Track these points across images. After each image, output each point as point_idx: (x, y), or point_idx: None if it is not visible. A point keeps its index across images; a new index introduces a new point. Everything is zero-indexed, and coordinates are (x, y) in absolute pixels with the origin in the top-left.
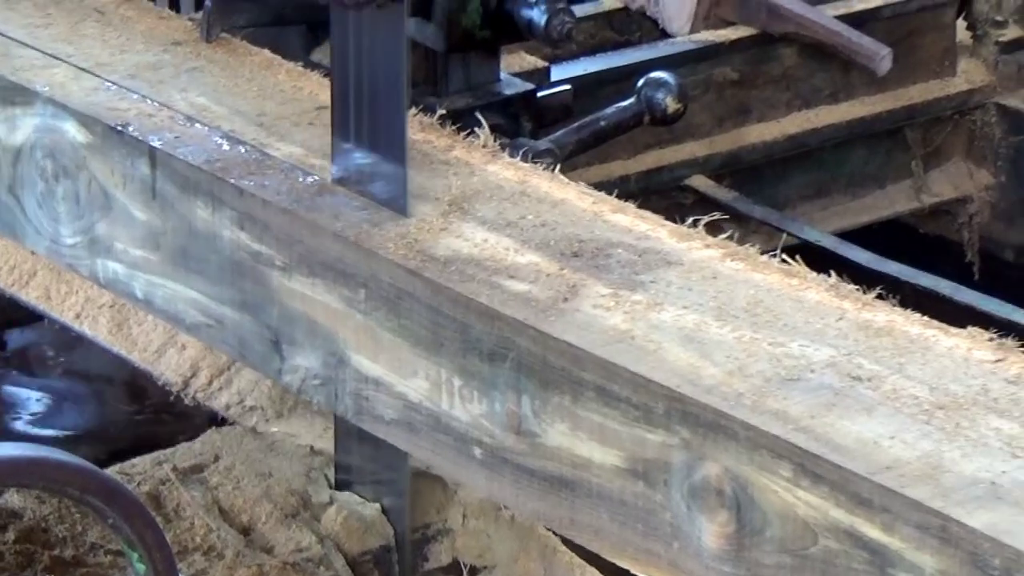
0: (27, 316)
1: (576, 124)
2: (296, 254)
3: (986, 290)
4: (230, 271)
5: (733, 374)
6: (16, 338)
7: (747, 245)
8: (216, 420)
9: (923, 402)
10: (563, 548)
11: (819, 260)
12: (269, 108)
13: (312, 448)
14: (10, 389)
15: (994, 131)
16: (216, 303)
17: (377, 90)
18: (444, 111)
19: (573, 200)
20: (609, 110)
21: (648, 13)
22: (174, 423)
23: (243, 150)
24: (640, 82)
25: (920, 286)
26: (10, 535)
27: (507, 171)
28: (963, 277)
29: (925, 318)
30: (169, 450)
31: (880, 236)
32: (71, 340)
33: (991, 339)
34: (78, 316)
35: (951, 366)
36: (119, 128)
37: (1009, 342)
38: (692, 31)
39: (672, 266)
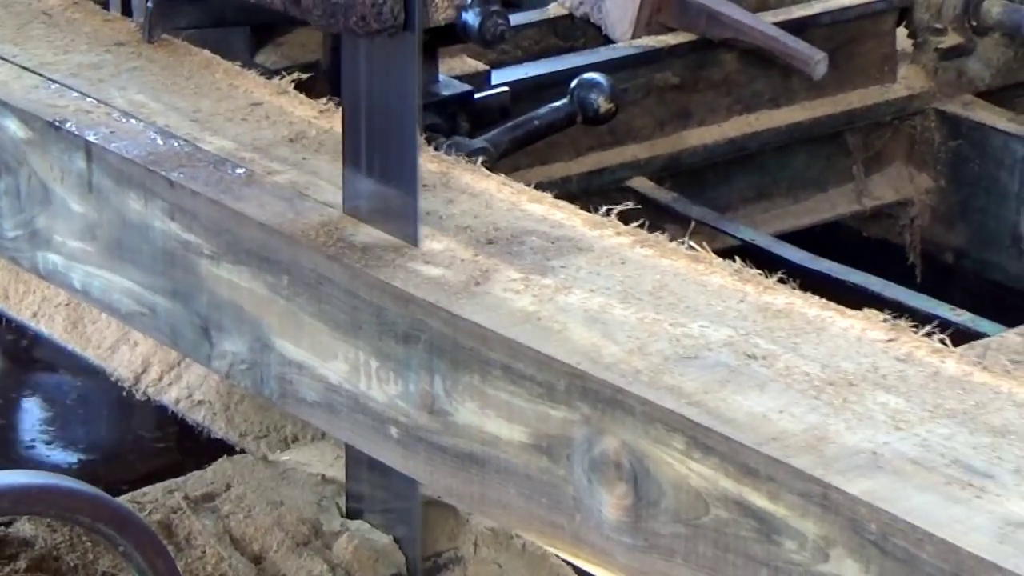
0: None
1: (511, 123)
2: (223, 243)
3: (928, 291)
4: (162, 261)
5: (633, 352)
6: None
7: (681, 242)
8: (228, 449)
9: (814, 378)
10: None
11: (756, 259)
12: (205, 105)
13: (323, 477)
14: (22, 414)
15: (934, 136)
16: (149, 292)
17: (388, 120)
18: None
19: (492, 191)
20: (543, 110)
21: (592, 20)
22: (189, 451)
23: (176, 144)
24: (573, 83)
25: (850, 283)
26: (21, 563)
27: (431, 164)
28: (906, 278)
29: (823, 300)
30: (180, 479)
31: (825, 239)
32: (86, 366)
33: (885, 320)
34: (35, 315)
35: (844, 345)
36: (57, 124)
37: (902, 323)
38: (634, 37)
39: (583, 252)
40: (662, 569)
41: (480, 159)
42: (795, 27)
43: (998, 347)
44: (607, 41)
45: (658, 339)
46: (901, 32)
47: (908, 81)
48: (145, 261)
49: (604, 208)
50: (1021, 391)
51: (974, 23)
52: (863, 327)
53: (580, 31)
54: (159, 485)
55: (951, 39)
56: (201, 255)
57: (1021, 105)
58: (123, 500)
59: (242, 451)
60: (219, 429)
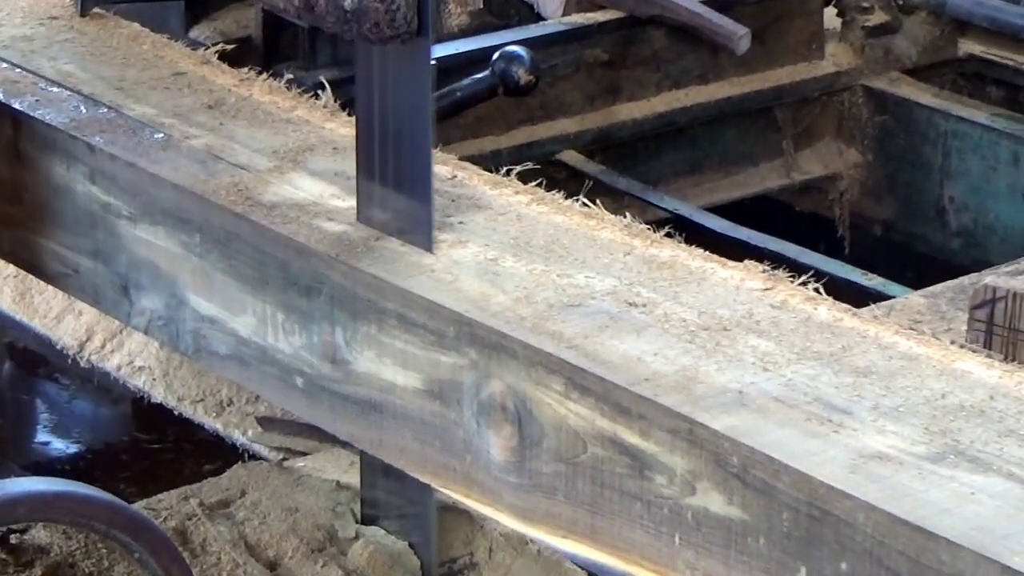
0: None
1: (434, 95)
2: (140, 204)
3: (856, 262)
4: (84, 222)
5: (519, 301)
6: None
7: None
8: (235, 450)
9: (690, 324)
10: None
11: (683, 230)
12: (130, 74)
13: (338, 483)
14: (29, 417)
15: (861, 112)
16: (73, 253)
17: (402, 127)
18: (291, 76)
19: None
20: (465, 82)
21: None
22: (194, 453)
23: (99, 111)
24: (495, 56)
25: (768, 249)
26: (37, 571)
27: (343, 128)
28: (836, 250)
29: (707, 253)
30: (196, 485)
31: (758, 213)
32: (89, 372)
33: (764, 271)
34: None
35: (722, 294)
36: None
37: (780, 273)
38: (564, 14)
39: (481, 209)
40: (545, 507)
41: None
42: (724, 5)
43: (902, 308)
44: (540, 19)
45: (544, 289)
46: (830, 11)
47: (836, 58)
48: (69, 223)
49: (504, 169)
50: (887, 335)
51: (900, 2)
52: (742, 277)
53: (514, 9)
54: (174, 492)
55: (878, 17)
56: (120, 216)
57: (947, 82)
58: (138, 507)
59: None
60: (158, 394)
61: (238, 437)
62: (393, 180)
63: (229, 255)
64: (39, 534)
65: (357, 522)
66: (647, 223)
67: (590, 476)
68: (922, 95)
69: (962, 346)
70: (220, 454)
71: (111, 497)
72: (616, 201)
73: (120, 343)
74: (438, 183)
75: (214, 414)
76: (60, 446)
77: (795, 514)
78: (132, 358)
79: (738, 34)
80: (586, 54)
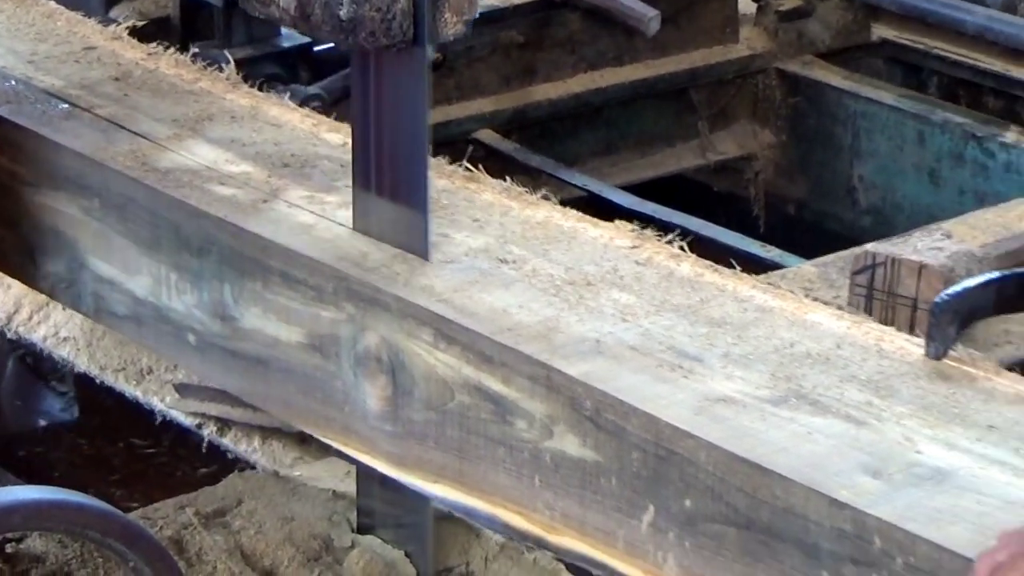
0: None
1: (343, 72)
2: (44, 171)
3: (771, 240)
4: None
5: (396, 258)
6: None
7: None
8: (228, 456)
9: (556, 279)
10: None
11: (592, 205)
12: (42, 49)
13: (334, 492)
14: (21, 422)
15: (775, 94)
16: None
17: (398, 136)
18: (197, 50)
19: (296, 122)
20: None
21: None
22: (188, 459)
23: (9, 84)
24: None
25: (672, 223)
26: None
27: (243, 99)
28: (751, 229)
29: (579, 214)
30: (191, 494)
31: (676, 192)
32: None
33: (633, 230)
34: None
35: (590, 251)
36: None
37: (648, 232)
38: None
39: None
40: (418, 453)
41: (314, 104)
42: None
43: (794, 276)
44: None
45: None
46: None
47: (750, 42)
48: None
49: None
50: (744, 289)
51: None
52: (611, 236)
53: None
54: (170, 501)
55: (791, 2)
56: (25, 183)
57: (863, 66)
58: (134, 516)
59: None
60: (82, 363)
61: (157, 404)
62: (389, 190)
63: (126, 219)
64: (35, 543)
65: (353, 531)
66: (562, 201)
67: (458, 423)
68: (833, 77)
69: (840, 307)
70: (215, 459)
71: (106, 506)
72: (534, 179)
73: (47, 315)
74: (328, 149)
75: (135, 382)
76: (52, 451)
77: (643, 454)
78: (57, 329)
79: (648, 16)
80: (501, 36)
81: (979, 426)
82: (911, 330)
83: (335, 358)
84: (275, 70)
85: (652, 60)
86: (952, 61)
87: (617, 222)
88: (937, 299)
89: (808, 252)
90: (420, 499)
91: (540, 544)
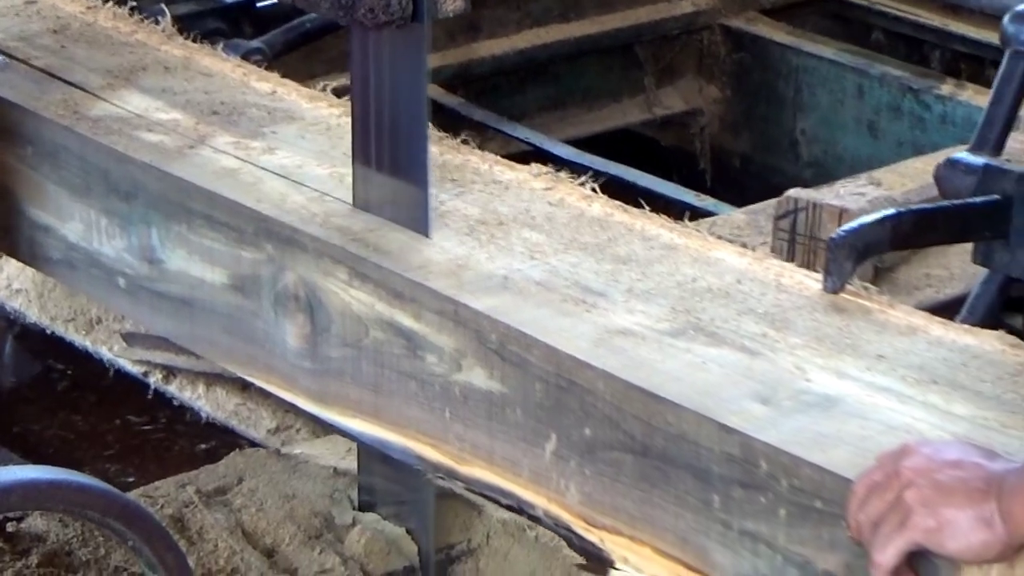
0: None
1: (285, 26)
2: None
3: (717, 193)
4: None
5: (314, 200)
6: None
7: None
8: (228, 431)
9: (470, 219)
10: (587, 567)
11: (537, 159)
12: None
13: (335, 469)
14: (18, 399)
15: (720, 50)
16: None
17: (398, 113)
18: (135, 4)
19: (227, 72)
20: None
21: None
22: (187, 435)
23: None
24: None
25: (609, 173)
26: (33, 559)
27: (177, 50)
28: (698, 182)
29: (497, 158)
30: (192, 472)
31: (625, 148)
32: (79, 354)
33: (547, 173)
34: None
35: (505, 193)
36: None
37: (563, 175)
38: None
39: (295, 121)
40: (335, 389)
41: (256, 58)
42: None
43: (724, 223)
44: None
45: (340, 189)
46: None
47: None
48: None
49: None
50: (651, 228)
51: None
52: (526, 179)
53: None
54: (170, 479)
55: None
56: None
57: (808, 22)
58: (135, 494)
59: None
60: (33, 314)
61: (105, 353)
62: (389, 165)
63: (58, 166)
64: (36, 522)
65: (354, 509)
66: (507, 155)
67: (372, 358)
68: (776, 33)
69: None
70: (214, 435)
71: (105, 485)
72: (480, 134)
73: None
74: (256, 97)
75: (84, 332)
76: (49, 429)
77: (546, 385)
78: (10, 281)
79: None
80: None
81: (869, 356)
82: None
83: (256, 297)
84: (218, 25)
85: (597, 16)
86: (894, 16)
87: (533, 165)
88: (833, 235)
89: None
90: (421, 477)
91: (451, 475)
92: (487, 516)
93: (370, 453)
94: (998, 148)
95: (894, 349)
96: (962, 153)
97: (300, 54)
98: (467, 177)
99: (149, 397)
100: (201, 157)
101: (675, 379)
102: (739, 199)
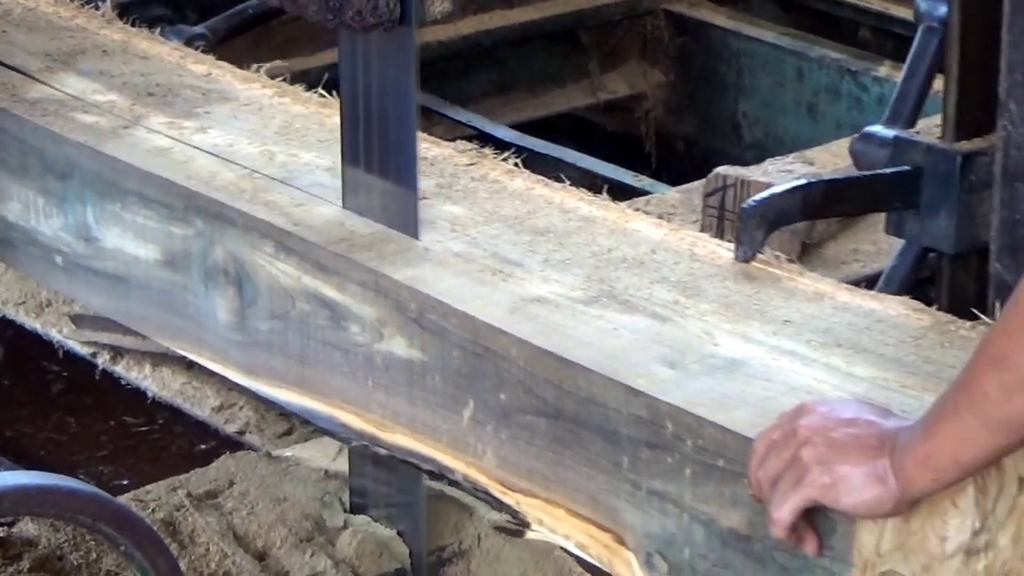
0: None
1: (227, 12)
2: None
3: (662, 176)
4: None
5: (243, 177)
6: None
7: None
8: (222, 435)
9: None
10: (578, 569)
11: (482, 142)
12: None
13: (326, 472)
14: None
15: (663, 35)
16: None
17: (386, 115)
18: None
19: (164, 55)
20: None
21: None
22: (184, 436)
23: None
24: None
25: (551, 156)
26: (25, 563)
27: (116, 34)
28: (643, 165)
29: (426, 135)
30: (183, 476)
31: (573, 132)
32: (72, 356)
33: (472, 149)
34: None
35: (430, 168)
36: None
37: (488, 151)
38: None
39: (228, 101)
40: (264, 360)
41: (199, 44)
42: None
43: (658, 201)
44: None
45: (270, 166)
46: None
47: None
48: None
49: (254, 66)
50: (570, 201)
51: None
52: (451, 155)
53: None
54: (162, 483)
55: None
56: None
57: (752, 6)
58: (126, 498)
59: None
60: None
61: (55, 335)
62: (378, 167)
63: None
64: (27, 527)
65: (345, 511)
66: (452, 139)
67: (298, 329)
68: (717, 17)
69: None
70: (210, 436)
71: (96, 490)
72: (426, 118)
73: None
74: (192, 79)
75: (34, 315)
76: (43, 431)
77: (463, 352)
78: None
79: None
80: None
81: (776, 321)
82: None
83: (187, 272)
84: (162, 11)
85: (542, 2)
86: (834, 1)
87: (458, 142)
88: (744, 205)
89: None
90: (413, 478)
91: (374, 442)
92: (479, 518)
93: (362, 456)
94: (911, 122)
95: (800, 314)
96: (876, 127)
97: (247, 41)
98: None
99: (143, 399)
100: (135, 137)
101: (586, 344)
102: (684, 181)
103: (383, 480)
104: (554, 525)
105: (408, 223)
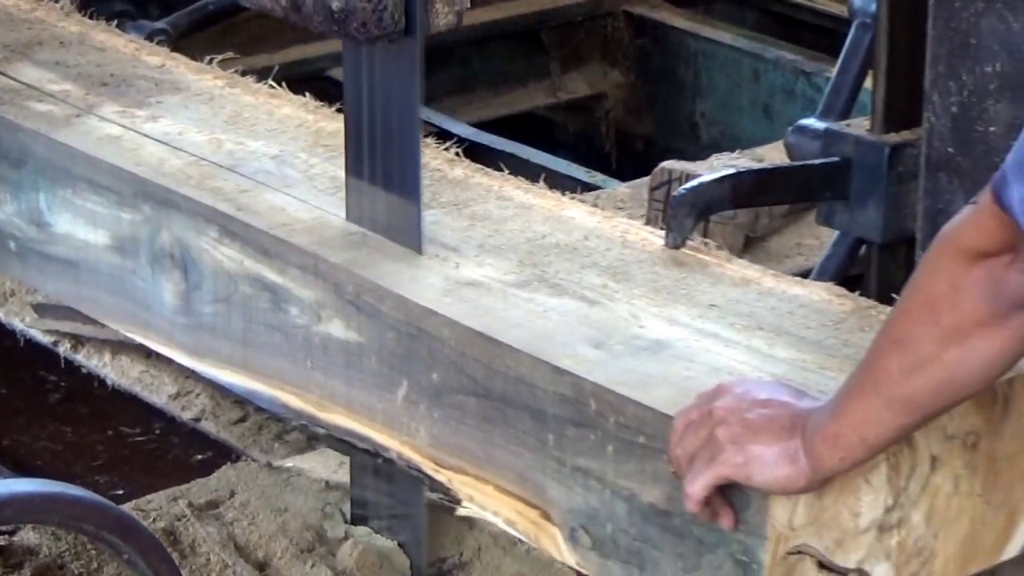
0: None
1: (189, 8)
2: None
3: (622, 174)
4: None
5: (191, 164)
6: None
7: None
8: (221, 444)
9: (337, 181)
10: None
11: (442, 138)
12: None
13: (327, 483)
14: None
15: (624, 36)
16: None
17: (390, 127)
18: None
19: (120, 47)
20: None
21: None
22: (181, 446)
23: None
24: None
25: (506, 151)
26: (26, 572)
27: (74, 26)
28: (604, 164)
29: None
30: (184, 486)
31: (535, 130)
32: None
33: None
34: None
35: None
36: None
37: (430, 141)
38: None
39: (180, 92)
40: (208, 343)
41: (160, 39)
42: None
43: (608, 196)
44: None
45: (217, 154)
46: None
47: None
48: None
49: (209, 58)
50: (508, 189)
51: None
52: None
53: None
54: (163, 492)
55: None
56: None
57: (713, 9)
58: (127, 508)
59: (240, 457)
60: None
61: (18, 324)
62: (381, 179)
63: None
64: (28, 535)
65: (346, 522)
66: None
67: (241, 312)
68: (676, 19)
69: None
70: (207, 446)
71: (100, 498)
72: None
73: None
74: (146, 70)
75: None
76: (40, 440)
77: (397, 333)
78: None
79: None
80: None
81: (702, 305)
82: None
83: (135, 257)
84: (124, 6)
85: (504, 2)
86: (793, 4)
87: None
88: (675, 193)
89: None
90: (413, 490)
91: (313, 422)
92: (479, 530)
93: (363, 467)
94: (845, 114)
95: (726, 299)
96: (809, 120)
97: (211, 38)
98: (338, 143)
99: (139, 409)
100: (87, 125)
101: (515, 326)
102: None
103: (384, 491)
104: (484, 502)
105: (411, 236)
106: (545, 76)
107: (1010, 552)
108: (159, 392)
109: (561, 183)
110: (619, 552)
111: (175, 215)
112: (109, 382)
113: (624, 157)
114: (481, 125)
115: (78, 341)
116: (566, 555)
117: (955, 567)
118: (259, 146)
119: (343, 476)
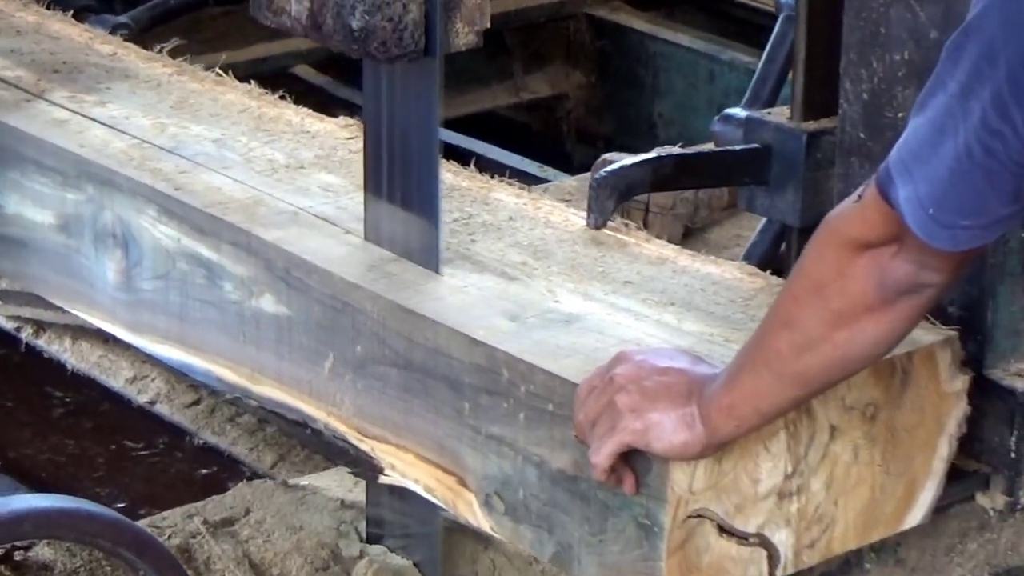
0: None
1: (151, 3)
2: None
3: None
4: None
5: (133, 147)
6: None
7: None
8: (227, 456)
9: (275, 164)
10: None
11: None
12: None
13: (343, 501)
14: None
15: (585, 37)
16: None
17: (409, 146)
18: None
19: (74, 36)
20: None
21: None
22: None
23: None
24: None
25: (462, 148)
26: None
27: (30, 16)
28: (565, 163)
29: (308, 111)
30: (199, 503)
31: (499, 130)
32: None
33: (352, 125)
34: None
35: (311, 141)
36: None
37: (354, 120)
38: None
39: (129, 79)
40: (148, 318)
41: (122, 32)
42: None
43: (556, 189)
44: None
45: (160, 137)
46: None
47: None
48: None
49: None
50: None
51: None
52: (333, 129)
53: None
54: (178, 509)
55: None
56: None
57: (675, 13)
58: (142, 524)
59: (255, 475)
60: None
61: None
62: (400, 198)
63: None
64: (43, 551)
65: (362, 541)
66: None
67: (179, 288)
68: (635, 21)
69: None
70: (213, 460)
71: (116, 515)
72: (349, 111)
73: None
74: (97, 58)
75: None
76: (44, 453)
77: (324, 307)
78: None
79: None
80: None
81: (617, 282)
82: (646, 228)
83: (79, 236)
84: (88, 1)
85: None
86: (752, 8)
87: (342, 118)
88: (596, 175)
89: None
90: (429, 509)
91: (246, 394)
92: (494, 549)
93: (378, 485)
94: (770, 103)
95: (641, 276)
96: (734, 109)
97: (177, 34)
98: (279, 128)
99: (144, 422)
100: (36, 109)
101: (435, 299)
102: None
103: (399, 510)
104: (405, 470)
105: (430, 256)
106: (508, 76)
107: (911, 521)
108: (116, 376)
109: (517, 179)
110: (531, 517)
111: (117, 195)
112: (69, 366)
113: (584, 156)
114: (445, 124)
115: (40, 327)
116: (481, 520)
117: (855, 534)
118: (201, 130)
119: (359, 495)
